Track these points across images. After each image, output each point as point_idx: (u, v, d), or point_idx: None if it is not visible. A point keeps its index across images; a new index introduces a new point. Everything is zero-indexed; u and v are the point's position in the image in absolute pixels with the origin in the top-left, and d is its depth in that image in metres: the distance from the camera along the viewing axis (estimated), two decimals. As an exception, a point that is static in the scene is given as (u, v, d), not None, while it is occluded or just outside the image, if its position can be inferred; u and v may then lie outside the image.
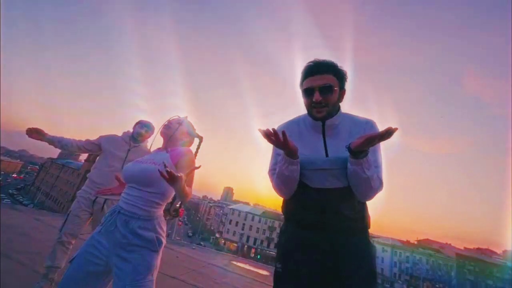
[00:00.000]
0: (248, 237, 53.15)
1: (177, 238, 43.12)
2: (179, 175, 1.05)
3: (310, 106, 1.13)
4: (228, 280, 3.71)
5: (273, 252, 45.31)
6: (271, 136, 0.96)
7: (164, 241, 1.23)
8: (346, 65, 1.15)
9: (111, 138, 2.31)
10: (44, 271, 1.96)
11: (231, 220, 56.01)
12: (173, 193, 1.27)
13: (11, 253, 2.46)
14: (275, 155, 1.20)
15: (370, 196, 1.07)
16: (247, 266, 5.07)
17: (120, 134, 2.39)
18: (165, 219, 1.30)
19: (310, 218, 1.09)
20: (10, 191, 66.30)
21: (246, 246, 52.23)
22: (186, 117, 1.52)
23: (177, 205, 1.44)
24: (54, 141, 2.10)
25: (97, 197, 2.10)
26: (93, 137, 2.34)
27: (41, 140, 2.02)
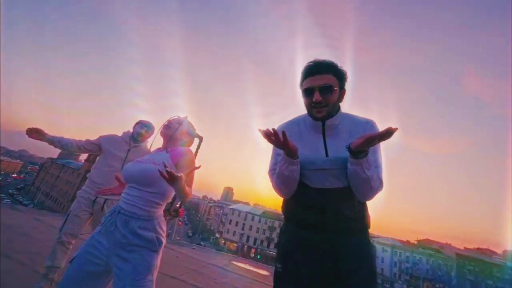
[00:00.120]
0: (248, 237, 53.15)
1: (177, 238, 43.13)
2: (179, 175, 1.05)
3: (310, 106, 1.13)
4: (228, 280, 3.71)
5: (273, 252, 45.31)
6: (271, 136, 0.96)
7: (164, 241, 1.23)
8: (346, 65, 1.15)
9: (111, 138, 2.31)
10: (44, 271, 1.96)
11: (231, 220, 56.01)
12: (173, 193, 1.27)
13: (11, 253, 2.46)
14: (275, 155, 1.20)
15: (370, 196, 1.07)
16: (247, 266, 5.07)
17: (120, 134, 2.39)
18: (165, 219, 1.30)
19: (310, 218, 1.09)
20: (10, 191, 66.30)
21: (246, 246, 52.23)
22: (186, 117, 1.52)
23: (177, 205, 1.44)
24: (54, 141, 2.10)
25: (97, 197, 2.10)
26: (93, 137, 2.34)
27: (41, 140, 2.02)
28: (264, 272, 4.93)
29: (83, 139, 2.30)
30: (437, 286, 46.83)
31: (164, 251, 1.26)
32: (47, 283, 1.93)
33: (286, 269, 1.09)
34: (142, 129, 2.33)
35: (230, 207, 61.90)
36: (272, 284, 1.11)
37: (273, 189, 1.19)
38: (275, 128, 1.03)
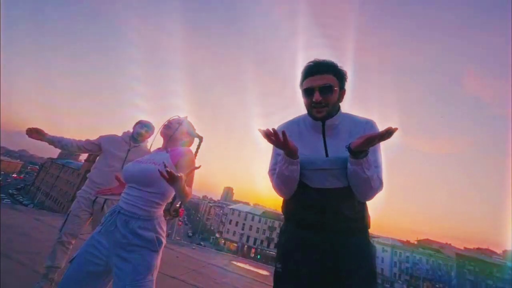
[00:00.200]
0: (248, 237, 53.15)
1: (177, 238, 43.13)
2: (179, 175, 1.05)
3: (310, 106, 1.13)
4: (228, 280, 3.71)
5: (273, 252, 45.31)
6: (271, 136, 0.96)
7: (164, 241, 1.23)
8: (346, 65, 1.15)
9: (111, 138, 2.31)
10: (44, 271, 1.96)
11: (231, 220, 56.01)
12: (173, 193, 1.27)
13: (11, 253, 2.46)
14: (275, 155, 1.20)
15: (370, 196, 1.07)
16: (247, 266, 5.07)
17: (120, 134, 2.39)
18: (165, 219, 1.30)
19: (310, 218, 1.09)
20: (10, 191, 66.30)
21: (246, 246, 52.24)
22: (186, 117, 1.52)
23: (177, 205, 1.44)
24: (54, 141, 2.10)
25: (97, 197, 2.10)
26: (93, 137, 2.34)
27: (41, 140, 2.02)
28: (264, 272, 4.93)
29: (83, 139, 2.30)
30: (437, 286, 46.83)
31: (164, 251, 1.26)
32: (47, 283, 1.93)
33: (286, 269, 1.09)
34: (142, 129, 2.33)
35: (230, 207, 61.90)
36: (272, 284, 1.11)
37: (273, 189, 1.19)
38: (275, 128, 1.03)
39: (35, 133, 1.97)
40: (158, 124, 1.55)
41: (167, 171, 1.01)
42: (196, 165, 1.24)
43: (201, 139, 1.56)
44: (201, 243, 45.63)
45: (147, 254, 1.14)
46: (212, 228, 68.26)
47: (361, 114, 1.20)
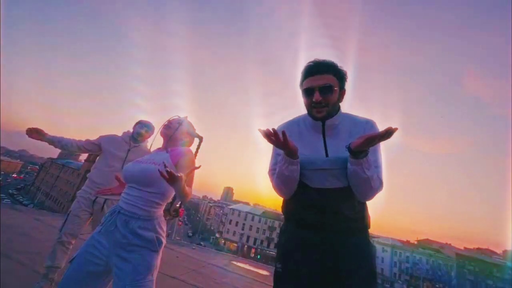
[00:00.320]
0: (248, 237, 53.15)
1: (177, 238, 43.13)
2: (179, 175, 1.05)
3: (310, 106, 1.13)
4: (228, 280, 3.71)
5: (273, 252, 45.31)
6: (271, 136, 0.96)
7: (164, 241, 1.23)
8: (346, 65, 1.15)
9: (111, 138, 2.31)
10: (44, 271, 1.96)
11: (231, 220, 56.01)
12: (173, 193, 1.27)
13: (11, 253, 2.46)
14: (275, 155, 1.20)
15: (370, 196, 1.07)
16: (247, 266, 5.07)
17: (120, 134, 2.39)
18: (165, 219, 1.30)
19: (310, 218, 1.09)
20: (10, 191, 66.30)
21: (246, 246, 52.23)
22: (186, 117, 1.52)
23: (177, 205, 1.44)
24: (54, 141, 2.10)
25: (97, 197, 2.10)
26: (93, 137, 2.34)
27: (41, 140, 2.02)
28: (264, 272, 4.93)
29: (83, 139, 2.30)
30: (437, 286, 46.83)
31: (164, 251, 1.26)
32: (47, 283, 1.93)
33: (286, 269, 1.09)
34: (142, 129, 2.33)
35: (230, 207, 61.90)
36: (272, 284, 1.11)
37: (273, 189, 1.19)
38: (275, 128, 1.03)
39: (35, 133, 1.97)
40: (158, 124, 1.55)
41: (167, 171, 1.01)
42: (196, 165, 1.24)
43: (201, 139, 1.56)
44: (201, 243, 45.63)
45: (147, 254, 1.14)
46: (212, 228, 68.27)
47: (361, 114, 1.20)
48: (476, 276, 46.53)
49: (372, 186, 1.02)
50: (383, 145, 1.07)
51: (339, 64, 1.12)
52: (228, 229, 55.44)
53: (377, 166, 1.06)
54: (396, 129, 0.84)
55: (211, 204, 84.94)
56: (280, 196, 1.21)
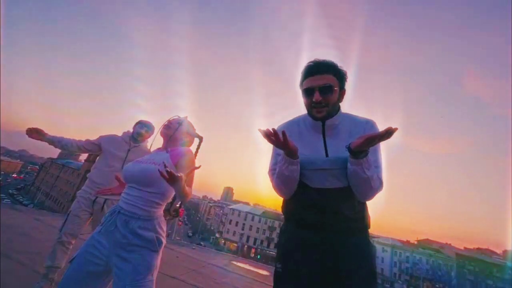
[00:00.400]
0: (248, 237, 53.15)
1: (177, 238, 43.13)
2: (179, 175, 1.05)
3: (310, 106, 1.13)
4: (228, 280, 3.71)
5: (273, 252, 45.31)
6: (271, 136, 0.96)
7: (164, 241, 1.23)
8: (346, 65, 1.15)
9: (111, 138, 2.31)
10: (44, 271, 1.96)
11: (231, 220, 56.01)
12: (173, 193, 1.27)
13: (11, 253, 2.46)
14: (275, 155, 1.20)
15: (370, 196, 1.07)
16: (247, 266, 5.07)
17: (120, 134, 2.39)
18: (165, 219, 1.30)
19: (310, 218, 1.09)
20: (10, 191, 66.30)
21: (246, 246, 52.23)
22: (186, 117, 1.52)
23: (177, 205, 1.44)
24: (54, 141, 2.10)
25: (97, 197, 2.10)
26: (93, 137, 2.34)
27: (41, 140, 2.02)
28: (264, 272, 4.93)
29: (83, 139, 2.30)
30: (437, 286, 46.82)
31: (164, 251, 1.26)
32: (47, 283, 1.93)
33: (286, 269, 1.09)
34: (142, 129, 2.33)
35: (230, 207, 61.90)
36: (272, 284, 1.11)
37: (273, 189, 1.19)
38: (275, 128, 1.03)
39: (35, 133, 1.97)
40: (158, 124, 1.55)
41: (167, 171, 1.01)
42: (196, 165, 1.24)
43: (201, 139, 1.56)
44: (201, 243, 45.63)
45: (147, 254, 1.14)
46: (212, 228, 68.27)
47: (361, 114, 1.20)
48: (476, 276, 46.53)
49: (372, 186, 1.02)
50: (383, 145, 1.07)
51: (339, 64, 1.12)
52: (228, 229, 55.44)
53: (377, 166, 1.06)
54: (396, 129, 0.84)
55: (211, 204, 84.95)
56: (280, 196, 1.21)
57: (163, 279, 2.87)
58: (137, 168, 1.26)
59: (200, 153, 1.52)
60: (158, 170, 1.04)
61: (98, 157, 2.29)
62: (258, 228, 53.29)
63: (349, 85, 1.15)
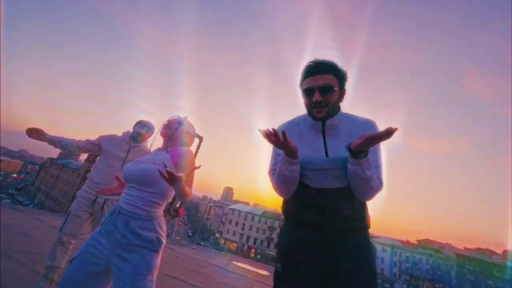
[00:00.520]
0: (248, 237, 53.15)
1: (177, 238, 43.13)
2: (179, 175, 1.05)
3: (310, 106, 1.13)
4: (228, 280, 3.71)
5: (273, 252, 45.31)
6: (271, 136, 0.96)
7: (164, 241, 1.23)
8: (346, 65, 1.15)
9: (111, 138, 2.31)
10: (44, 271, 1.96)
11: (231, 220, 56.01)
12: (173, 193, 1.27)
13: (11, 253, 2.46)
14: (275, 155, 1.20)
15: (370, 196, 1.07)
16: (247, 266, 5.07)
17: (120, 134, 2.39)
18: (165, 219, 1.30)
19: (310, 218, 1.09)
20: (10, 191, 66.31)
21: (246, 246, 52.23)
22: (186, 117, 1.52)
23: (177, 205, 1.44)
24: (54, 141, 2.10)
25: (97, 197, 2.10)
26: (93, 137, 2.34)
27: (41, 140, 2.02)
28: (264, 272, 4.93)
29: (83, 139, 2.30)
30: (437, 286, 46.83)
31: (164, 251, 1.26)
32: (47, 283, 1.93)
33: (286, 269, 1.09)
34: (142, 129, 2.33)
35: (230, 207, 61.90)
36: (272, 284, 1.11)
37: (273, 189, 1.19)
38: (275, 128, 1.03)
39: (35, 133, 1.97)
40: (158, 124, 1.55)
41: (167, 171, 1.01)
42: (196, 165, 1.24)
43: (201, 139, 1.56)
44: (201, 243, 45.64)
45: (147, 254, 1.14)
46: (212, 228, 68.27)
47: (361, 114, 1.20)
48: (476, 276, 46.53)
49: (372, 186, 1.02)
50: (383, 145, 1.06)
51: (339, 64, 1.12)
52: (228, 229, 55.44)
53: (377, 166, 1.06)
54: (396, 129, 0.84)
55: (211, 204, 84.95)
56: (280, 196, 1.21)
57: (163, 279, 2.87)
58: (137, 168, 1.26)
59: (200, 153, 1.52)
60: (158, 170, 1.04)
61: (98, 157, 2.29)
62: (258, 228, 53.29)
63: (349, 85, 1.15)
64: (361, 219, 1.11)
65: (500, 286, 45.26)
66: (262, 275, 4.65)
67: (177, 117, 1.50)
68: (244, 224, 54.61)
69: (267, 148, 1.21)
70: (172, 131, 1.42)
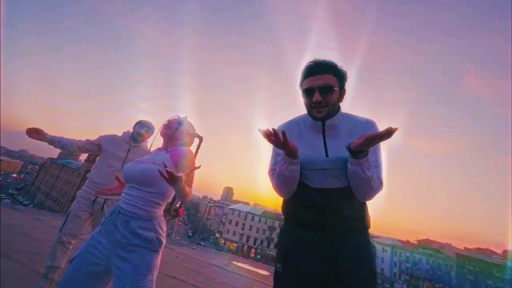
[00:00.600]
0: (248, 237, 53.14)
1: (177, 238, 43.12)
2: (179, 175, 1.05)
3: (310, 106, 1.13)
4: (228, 280, 3.71)
5: (273, 252, 45.31)
6: (271, 136, 0.96)
7: (164, 241, 1.23)
8: (346, 65, 1.15)
9: (111, 138, 2.31)
10: (44, 271, 1.96)
11: (231, 220, 56.01)
12: (173, 193, 1.27)
13: (11, 253, 2.46)
14: (275, 155, 1.20)
15: (370, 196, 1.07)
16: (247, 266, 5.07)
17: (120, 134, 2.39)
18: (165, 219, 1.30)
19: (310, 218, 1.09)
20: (10, 191, 66.30)
21: (246, 246, 52.23)
22: (186, 117, 1.52)
23: (177, 205, 1.44)
24: (54, 141, 2.10)
25: (97, 197, 2.10)
26: (93, 137, 2.34)
27: (41, 140, 2.02)
28: (264, 272, 4.93)
29: (83, 139, 2.30)
30: (437, 286, 46.83)
31: (164, 251, 1.26)
32: (47, 283, 1.93)
33: (286, 269, 1.09)
34: (142, 129, 2.33)
35: (230, 207, 61.89)
36: (272, 284, 1.11)
37: (273, 189, 1.19)
38: (275, 128, 1.03)
39: (35, 133, 1.97)
40: (158, 124, 1.55)
41: (167, 171, 1.02)
42: (196, 165, 1.24)
43: (201, 139, 1.56)
44: (201, 243, 45.64)
45: (147, 254, 1.14)
46: (212, 228, 68.27)
47: (361, 114, 1.20)
48: (476, 276, 46.53)
49: (372, 186, 1.02)
50: (383, 145, 1.07)
51: (339, 64, 1.12)
52: (228, 229, 55.44)
53: (377, 166, 1.06)
54: (396, 129, 0.84)
55: (211, 204, 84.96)
56: (280, 196, 1.21)
57: (163, 279, 2.87)
58: (137, 168, 1.26)
59: (200, 153, 1.52)
60: (158, 170, 1.04)
61: (98, 157, 2.30)
62: (258, 228, 53.29)
63: (349, 85, 1.15)
64: (361, 219, 1.11)
65: (500, 286, 45.26)
66: (262, 275, 4.65)
67: (177, 117, 1.50)
68: (244, 224, 54.61)
69: (267, 148, 1.21)
70: (172, 131, 1.42)
